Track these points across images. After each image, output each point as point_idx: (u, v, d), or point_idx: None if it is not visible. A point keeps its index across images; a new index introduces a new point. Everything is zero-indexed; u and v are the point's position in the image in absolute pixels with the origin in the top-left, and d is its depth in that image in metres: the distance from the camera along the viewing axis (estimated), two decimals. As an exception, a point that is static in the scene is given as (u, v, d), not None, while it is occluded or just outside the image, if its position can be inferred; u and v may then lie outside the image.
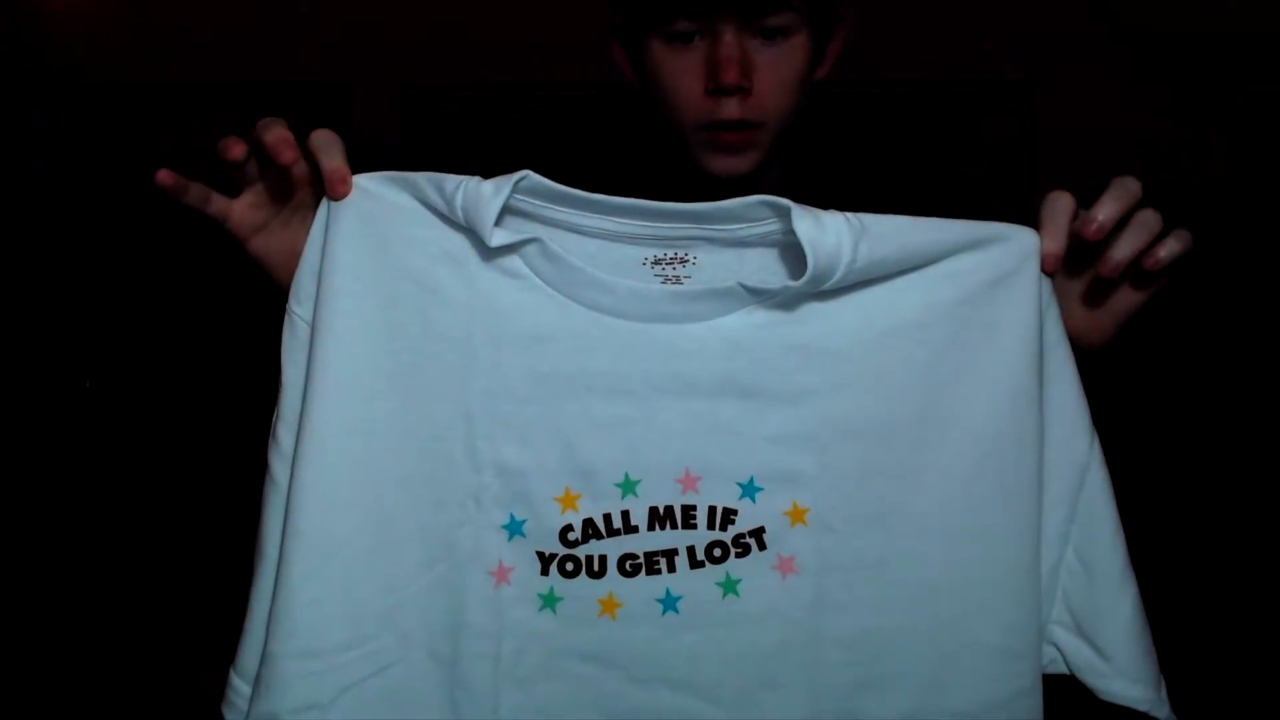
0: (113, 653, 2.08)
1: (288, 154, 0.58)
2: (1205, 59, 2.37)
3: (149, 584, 2.28)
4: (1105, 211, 0.57)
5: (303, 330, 0.60)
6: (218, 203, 0.61)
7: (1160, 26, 2.37)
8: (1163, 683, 0.62)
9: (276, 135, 0.58)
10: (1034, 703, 0.60)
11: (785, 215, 0.57)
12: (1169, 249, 0.59)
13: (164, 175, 0.58)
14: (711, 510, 0.59)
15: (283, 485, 0.59)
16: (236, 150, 0.58)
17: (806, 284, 0.56)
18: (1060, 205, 0.59)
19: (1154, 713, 0.61)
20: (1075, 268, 0.62)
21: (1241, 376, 2.25)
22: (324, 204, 0.60)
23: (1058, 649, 0.62)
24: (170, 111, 2.74)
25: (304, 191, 0.62)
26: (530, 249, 0.58)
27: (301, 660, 0.58)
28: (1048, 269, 0.58)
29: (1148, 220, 0.59)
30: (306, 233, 0.61)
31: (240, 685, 0.61)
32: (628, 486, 0.59)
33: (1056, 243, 0.58)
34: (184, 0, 2.66)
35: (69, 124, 2.83)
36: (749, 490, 0.59)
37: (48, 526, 2.53)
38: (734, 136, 0.76)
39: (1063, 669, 0.62)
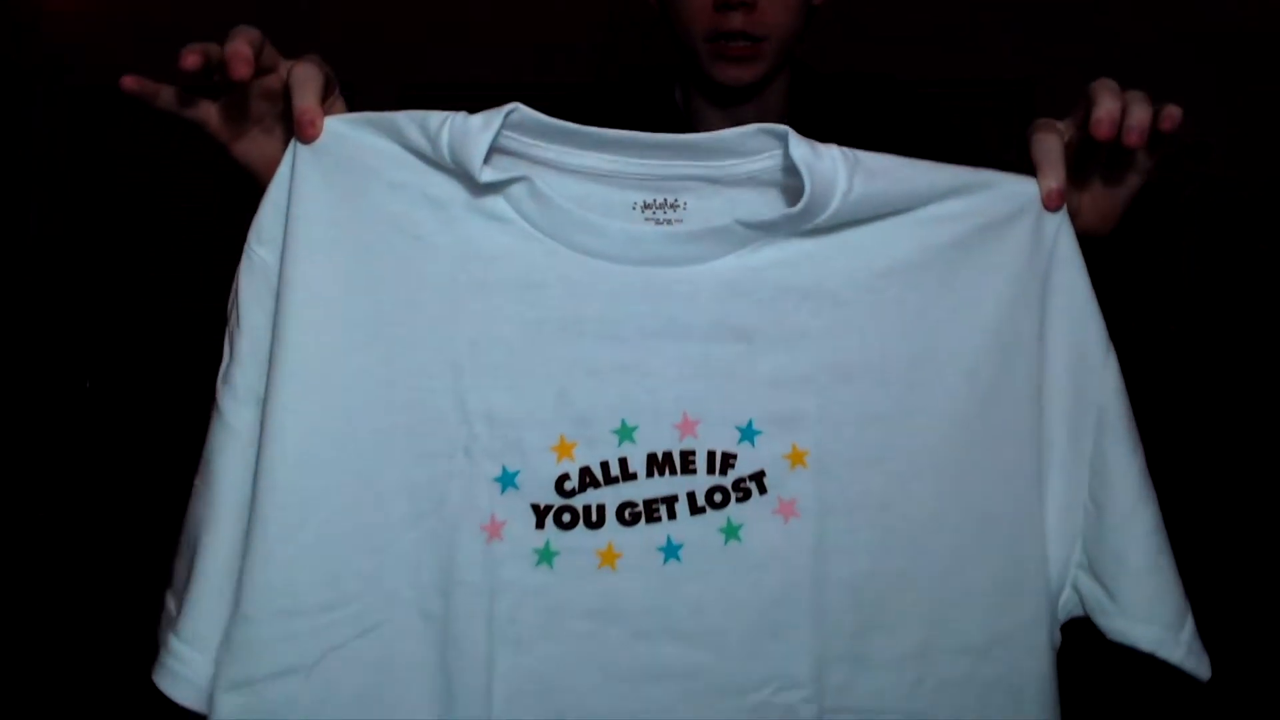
0: (113, 653, 2.08)
1: (241, 69, 0.54)
2: (1205, 59, 2.37)
3: (149, 584, 2.27)
4: (1106, 107, 0.58)
5: (262, 269, 0.57)
6: (196, 108, 0.59)
7: (1160, 27, 2.37)
8: (1186, 624, 0.61)
9: (234, 49, 0.54)
10: (1039, 635, 0.60)
11: (781, 145, 0.57)
12: (1175, 110, 0.59)
13: (128, 81, 0.56)
14: (711, 455, 0.57)
15: (237, 430, 0.56)
16: (189, 60, 0.54)
17: (803, 210, 0.55)
18: (1049, 143, 0.60)
19: (1159, 653, 0.60)
20: (1079, 172, 0.62)
21: (1241, 376, 2.25)
22: (292, 145, 0.57)
23: (1077, 592, 0.62)
24: (170, 111, 2.74)
25: (282, 103, 0.59)
26: (517, 191, 0.56)
27: (280, 621, 0.55)
28: (1052, 206, 0.59)
29: (1139, 95, 0.59)
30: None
31: (184, 651, 0.56)
32: (625, 433, 0.57)
33: (1056, 178, 0.58)
34: (184, 0, 2.66)
35: (69, 124, 2.83)
36: (748, 434, 0.58)
37: (48, 526, 2.53)
38: (739, 48, 0.82)
39: (1081, 611, 0.62)
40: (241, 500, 0.56)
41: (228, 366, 0.57)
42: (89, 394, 2.76)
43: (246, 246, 0.57)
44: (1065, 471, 0.60)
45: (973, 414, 0.59)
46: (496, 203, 0.57)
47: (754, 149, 0.59)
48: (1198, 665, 0.61)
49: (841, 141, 0.59)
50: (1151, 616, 0.60)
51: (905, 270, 0.58)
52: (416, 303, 0.57)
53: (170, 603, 0.59)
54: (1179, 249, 2.35)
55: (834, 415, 0.58)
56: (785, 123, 0.62)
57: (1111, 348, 0.60)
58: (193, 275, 2.77)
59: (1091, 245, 0.62)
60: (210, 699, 0.55)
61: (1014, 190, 0.59)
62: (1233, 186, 2.36)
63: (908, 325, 0.58)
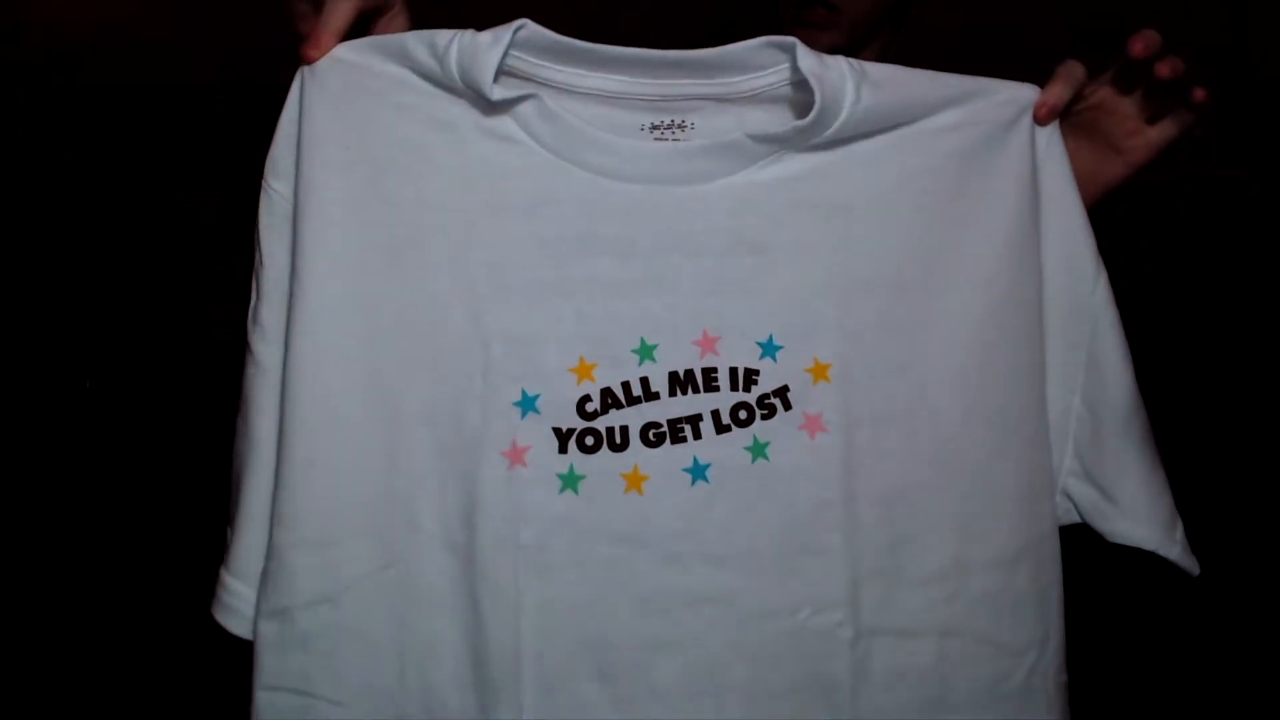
0: (113, 653, 2.08)
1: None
2: (1204, 59, 2.37)
3: (149, 584, 2.27)
4: (1147, 36, 0.60)
5: (280, 206, 0.57)
6: None
7: (1159, 28, 2.37)
8: (1178, 525, 0.62)
9: None
10: (1055, 544, 0.60)
11: (788, 59, 0.57)
12: (1167, 68, 0.61)
13: None
14: (733, 371, 0.56)
15: (267, 368, 0.57)
16: None
17: (814, 121, 0.55)
18: (1073, 68, 0.61)
19: (1161, 552, 0.61)
20: (1117, 106, 0.63)
21: (1241, 376, 2.25)
22: (299, 72, 0.57)
23: (1070, 499, 0.62)
24: (170, 111, 2.74)
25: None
26: (527, 111, 0.56)
27: (309, 551, 0.55)
28: (1040, 117, 0.59)
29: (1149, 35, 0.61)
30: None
31: (234, 584, 0.58)
32: (645, 351, 0.57)
33: (1054, 95, 0.59)
34: (184, 0, 2.66)
35: (69, 124, 2.83)
36: (769, 349, 0.57)
37: (48, 526, 2.53)
38: (816, 14, 0.87)
39: (1075, 519, 0.62)
40: (274, 434, 0.57)
41: (255, 305, 0.58)
42: (89, 394, 2.76)
43: (264, 182, 0.58)
44: (1060, 377, 0.61)
45: (988, 320, 0.59)
46: (506, 124, 0.56)
47: (761, 63, 0.59)
48: (1190, 563, 0.63)
49: None
50: (1150, 517, 0.61)
51: (913, 181, 0.58)
52: (430, 226, 0.56)
53: (229, 540, 0.60)
54: (1179, 249, 2.35)
55: (853, 326, 0.57)
56: None
57: (1100, 260, 0.61)
58: (193, 275, 2.77)
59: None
60: (255, 627, 0.57)
61: (1012, 96, 0.60)
62: (1233, 186, 2.36)
63: (920, 235, 0.58)
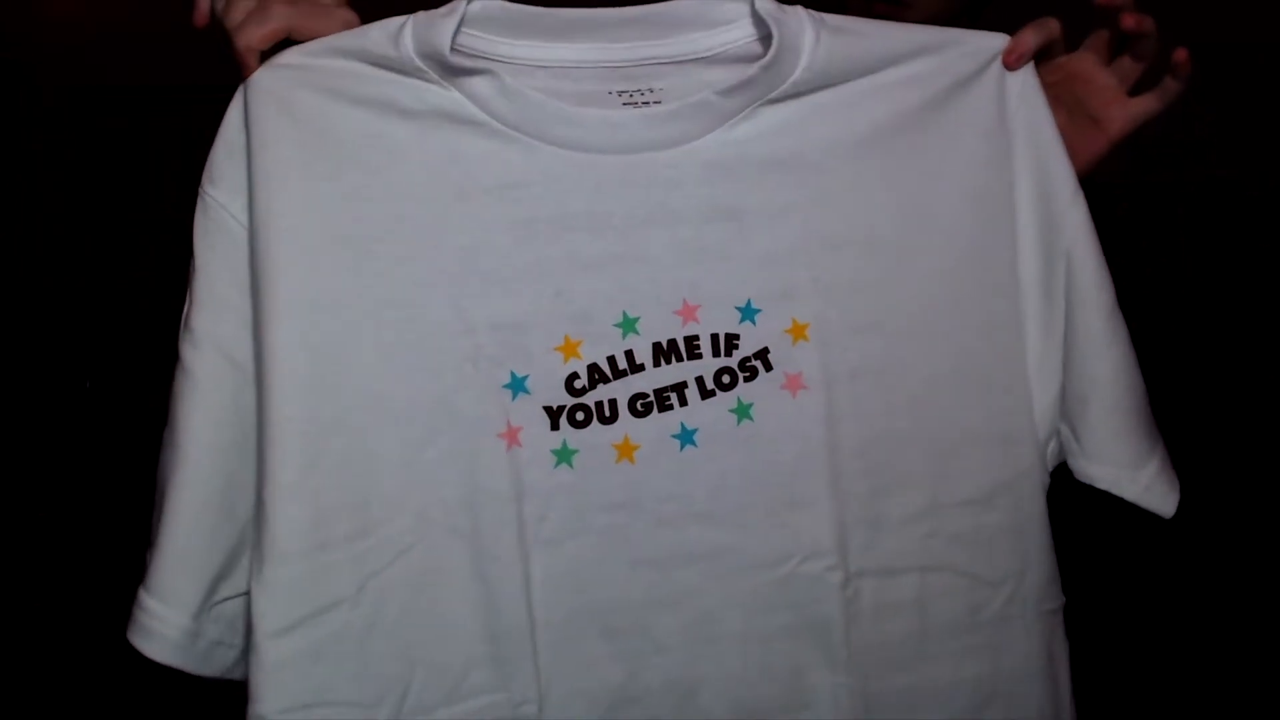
0: (113, 653, 2.08)
1: (197, 19, 0.57)
2: (1204, 59, 2.37)
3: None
4: None
5: (215, 213, 0.56)
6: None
7: (1160, 27, 2.37)
8: (1146, 466, 0.63)
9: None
10: (1035, 481, 0.62)
11: (746, 5, 0.58)
12: (1182, 52, 0.64)
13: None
14: (714, 337, 0.58)
15: (198, 377, 0.56)
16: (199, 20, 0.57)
17: (774, 58, 0.56)
18: (1047, 20, 0.61)
19: (1115, 491, 0.63)
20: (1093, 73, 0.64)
21: (1241, 376, 2.25)
22: (242, 85, 0.56)
23: (1058, 438, 0.64)
24: (170, 111, 2.74)
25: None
26: (485, 89, 0.55)
27: (316, 555, 0.55)
28: (1009, 63, 0.60)
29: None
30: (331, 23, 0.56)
31: (155, 606, 0.56)
32: (628, 325, 0.58)
33: (1023, 41, 0.60)
34: (184, 1, 2.66)
35: (69, 124, 2.83)
36: (748, 313, 0.58)
37: (48, 526, 2.53)
38: (882, 7, 0.82)
39: (1060, 456, 0.64)
40: (203, 446, 0.56)
41: (187, 312, 0.57)
42: (89, 394, 2.76)
43: (200, 189, 0.57)
44: (1041, 316, 0.62)
45: (958, 271, 0.60)
46: (466, 105, 0.56)
47: (721, 18, 0.59)
48: (1160, 503, 0.64)
49: None
50: (1107, 456, 0.62)
51: (881, 135, 0.59)
52: (401, 217, 0.56)
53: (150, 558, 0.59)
54: (1179, 249, 2.35)
55: (828, 285, 0.59)
56: None
57: (1079, 189, 0.62)
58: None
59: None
60: (252, 650, 0.54)
61: (979, 46, 0.60)
62: (1233, 186, 2.36)
63: (889, 190, 0.60)
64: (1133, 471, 0.63)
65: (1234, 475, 2.11)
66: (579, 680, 0.58)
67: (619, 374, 0.57)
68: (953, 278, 0.60)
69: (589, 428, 0.57)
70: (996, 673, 0.61)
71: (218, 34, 0.57)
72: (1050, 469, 0.64)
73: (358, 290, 0.56)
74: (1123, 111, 0.65)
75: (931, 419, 0.60)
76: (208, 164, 0.57)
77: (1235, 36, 2.36)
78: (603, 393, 0.57)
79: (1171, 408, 2.23)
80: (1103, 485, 0.63)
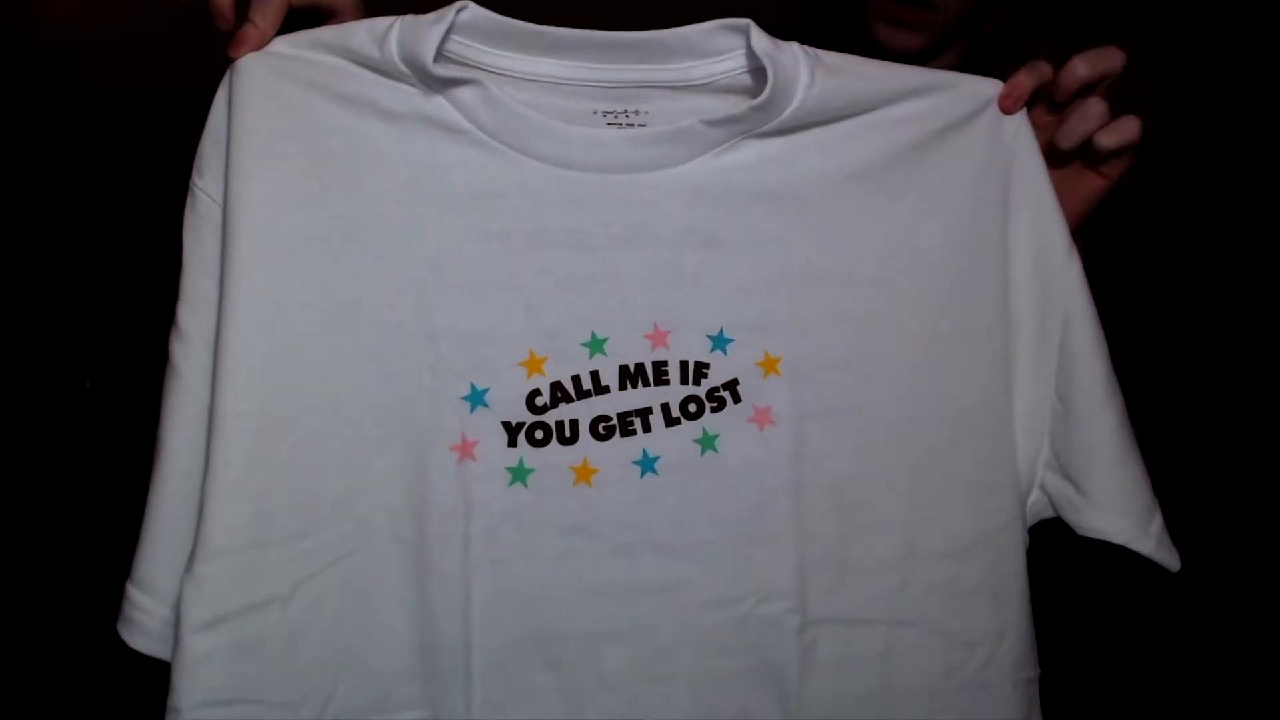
0: (113, 653, 2.08)
1: (220, 23, 0.55)
2: (1204, 59, 2.37)
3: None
4: (1072, 77, 0.59)
5: (204, 205, 0.55)
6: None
7: (1159, 27, 2.37)
8: (1154, 519, 0.61)
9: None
10: (1015, 535, 0.60)
11: (743, 42, 0.57)
12: (1109, 139, 0.60)
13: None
14: (683, 365, 0.57)
15: (184, 374, 0.55)
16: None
17: (767, 100, 0.55)
18: (1039, 64, 0.60)
19: (1132, 546, 0.60)
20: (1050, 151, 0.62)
21: (1241, 376, 2.25)
22: (228, 71, 0.55)
23: (1045, 492, 0.62)
24: (170, 111, 2.74)
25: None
26: (470, 98, 0.54)
27: (252, 553, 0.54)
28: (1006, 106, 0.59)
29: (1089, 111, 0.60)
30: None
31: (141, 599, 0.55)
32: (595, 345, 0.56)
33: (1018, 85, 0.59)
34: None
35: (69, 124, 2.83)
36: (719, 342, 0.57)
37: (48, 526, 2.53)
38: (904, 12, 0.81)
39: (1050, 512, 0.62)
40: (185, 441, 0.55)
41: (177, 308, 0.56)
42: (89, 394, 2.76)
43: (190, 182, 0.56)
44: (1031, 370, 0.60)
45: (940, 314, 0.59)
46: (450, 113, 0.55)
47: (716, 49, 0.58)
48: (1168, 557, 0.61)
49: None
50: (1122, 509, 0.60)
51: (869, 172, 0.58)
52: (374, 219, 0.55)
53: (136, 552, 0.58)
54: (1179, 249, 2.35)
55: (805, 319, 0.57)
56: None
57: (1074, 247, 0.61)
58: (193, 275, 2.76)
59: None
60: (176, 643, 0.54)
61: (974, 90, 0.59)
62: (1233, 186, 2.36)
63: (875, 226, 0.58)
64: (1145, 524, 0.61)
65: (1234, 475, 2.11)
66: (514, 710, 0.56)
67: (583, 394, 0.56)
68: (936, 319, 0.59)
69: (547, 447, 0.56)
70: None
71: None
72: (1030, 526, 0.62)
73: (323, 289, 0.55)
74: (1068, 200, 0.64)
75: (908, 462, 0.58)
76: (197, 155, 0.56)
77: (1235, 37, 2.36)
78: (564, 412, 0.56)
79: (1172, 408, 2.24)
80: (1118, 539, 0.60)
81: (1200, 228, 2.36)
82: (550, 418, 0.56)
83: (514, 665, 0.56)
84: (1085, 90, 0.60)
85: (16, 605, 2.25)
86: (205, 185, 0.55)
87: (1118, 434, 0.60)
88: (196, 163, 0.56)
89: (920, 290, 0.59)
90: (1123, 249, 2.28)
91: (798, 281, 0.57)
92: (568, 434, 0.56)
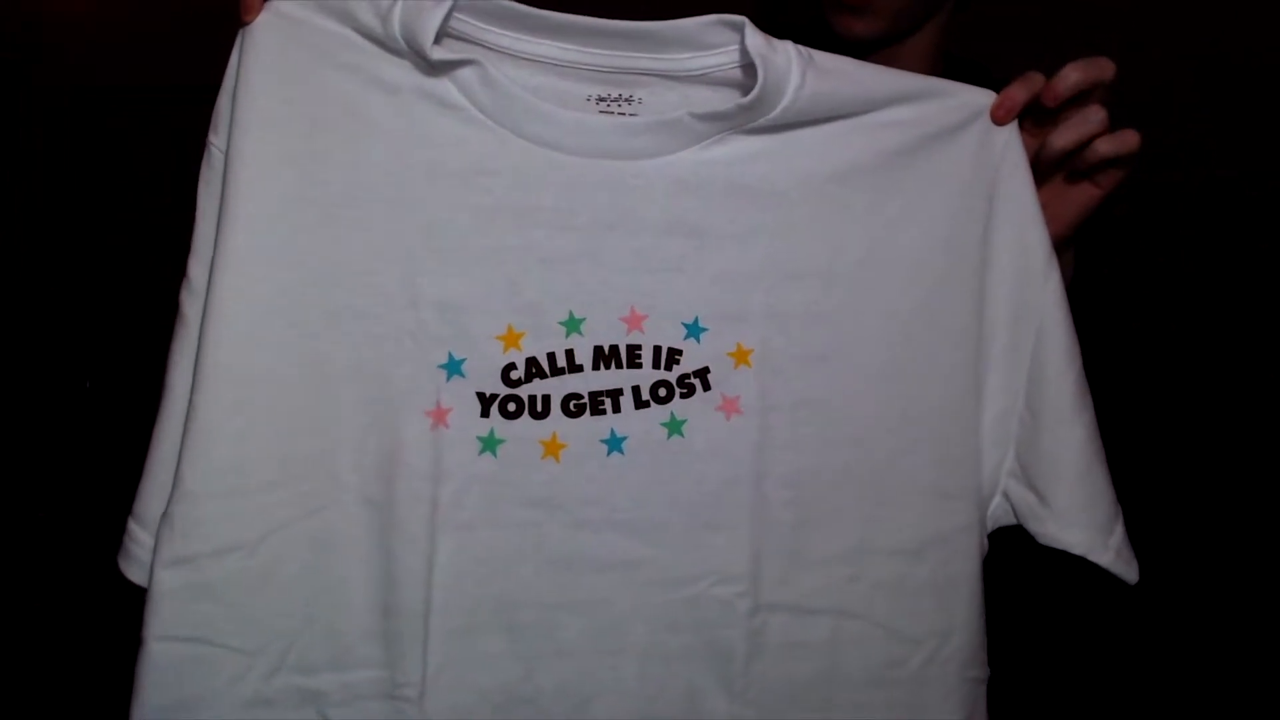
0: (113, 653, 2.08)
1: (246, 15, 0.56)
2: (1205, 59, 2.37)
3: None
4: (1065, 82, 0.60)
5: (218, 162, 0.57)
6: None
7: (1159, 27, 2.37)
8: (1115, 531, 0.62)
9: None
10: (970, 540, 0.62)
11: (738, 38, 0.58)
12: (1108, 146, 0.61)
13: None
14: (656, 349, 0.58)
15: (192, 324, 0.56)
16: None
17: (756, 99, 0.56)
18: (1032, 75, 0.61)
19: (1091, 557, 0.62)
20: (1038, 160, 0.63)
21: (1241, 376, 2.25)
22: (241, 31, 0.57)
23: (1008, 500, 0.63)
24: (170, 111, 2.74)
25: None
26: (468, 76, 0.56)
27: (224, 499, 0.55)
28: (999, 117, 0.60)
29: (1089, 115, 0.61)
30: None
31: (140, 534, 0.57)
32: (572, 324, 0.58)
33: (1011, 96, 0.60)
34: (183, 0, 2.66)
35: (69, 124, 2.83)
36: (694, 330, 0.58)
37: (48, 526, 2.53)
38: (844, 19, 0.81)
39: (1012, 519, 0.63)
40: (188, 389, 0.56)
41: (189, 262, 0.57)
42: (89, 394, 2.76)
43: (207, 139, 0.57)
44: (1003, 378, 0.62)
45: (914, 318, 0.60)
46: (448, 89, 0.56)
47: (711, 42, 0.59)
48: (1125, 570, 0.63)
49: None
50: (1083, 521, 0.62)
51: (854, 174, 0.59)
52: (367, 186, 0.56)
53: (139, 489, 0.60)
54: (1179, 249, 2.35)
55: (780, 313, 0.59)
56: None
57: (1054, 259, 0.61)
58: (193, 275, 2.76)
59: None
60: (149, 575, 0.56)
61: (965, 100, 0.60)
62: (1233, 186, 2.36)
63: (854, 228, 0.59)
64: (1105, 536, 0.62)
65: (1234, 475, 2.11)
66: (470, 673, 0.57)
67: (556, 371, 0.57)
68: (909, 322, 0.60)
69: (519, 420, 0.57)
70: None
71: None
72: (990, 531, 0.64)
73: (312, 249, 0.56)
74: (1062, 206, 0.65)
75: (870, 460, 0.60)
76: (213, 112, 0.57)
77: (1235, 37, 2.36)
78: (538, 387, 0.57)
79: (1172, 408, 2.24)
80: (1077, 550, 0.62)
81: (1200, 228, 2.36)
82: (523, 391, 0.57)
83: (472, 629, 0.57)
84: (1080, 98, 0.61)
85: (16, 605, 2.25)
86: (218, 141, 0.57)
87: (1084, 447, 0.61)
88: (213, 120, 0.57)
89: (896, 293, 0.60)
90: (1123, 249, 2.28)
91: (776, 276, 0.59)
92: (539, 409, 0.57)
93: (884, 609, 0.60)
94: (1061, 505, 0.61)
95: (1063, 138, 0.61)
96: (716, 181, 0.58)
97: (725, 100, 0.59)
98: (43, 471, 2.64)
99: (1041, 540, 0.62)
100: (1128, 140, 0.61)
